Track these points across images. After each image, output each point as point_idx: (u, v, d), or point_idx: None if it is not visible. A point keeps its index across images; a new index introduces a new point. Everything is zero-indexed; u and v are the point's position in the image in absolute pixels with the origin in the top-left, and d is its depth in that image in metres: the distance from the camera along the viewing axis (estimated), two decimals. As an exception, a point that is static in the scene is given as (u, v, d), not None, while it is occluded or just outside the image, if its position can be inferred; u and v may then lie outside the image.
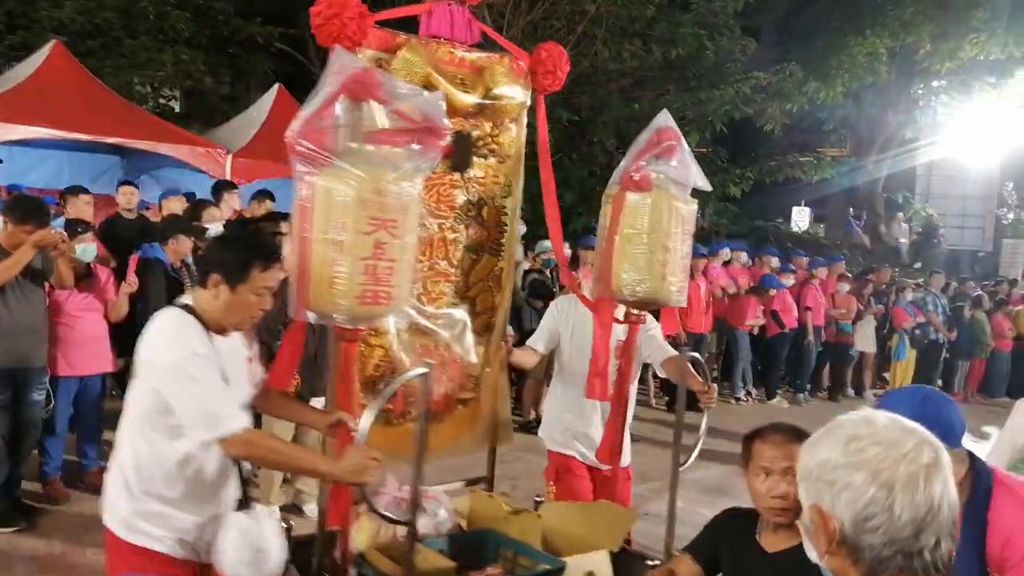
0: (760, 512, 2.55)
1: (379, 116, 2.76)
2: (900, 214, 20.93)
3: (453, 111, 3.33)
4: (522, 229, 10.69)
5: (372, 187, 2.71)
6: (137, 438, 2.60)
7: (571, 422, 4.37)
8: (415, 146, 2.82)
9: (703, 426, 3.92)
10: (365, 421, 2.71)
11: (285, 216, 7.42)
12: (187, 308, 2.61)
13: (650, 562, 3.19)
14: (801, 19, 19.56)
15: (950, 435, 2.06)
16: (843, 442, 1.31)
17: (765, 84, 14.05)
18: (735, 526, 2.67)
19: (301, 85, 14.26)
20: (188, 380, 2.45)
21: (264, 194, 8.13)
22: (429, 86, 3.32)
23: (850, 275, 12.52)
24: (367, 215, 2.71)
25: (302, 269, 2.74)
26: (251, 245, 2.68)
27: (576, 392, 4.13)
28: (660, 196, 3.52)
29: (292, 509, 5.77)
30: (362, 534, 3.15)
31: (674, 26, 12.93)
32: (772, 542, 2.52)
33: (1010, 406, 3.22)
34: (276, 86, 10.46)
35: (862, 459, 1.28)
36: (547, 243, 9.02)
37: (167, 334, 2.55)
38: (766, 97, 14.33)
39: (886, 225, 20.17)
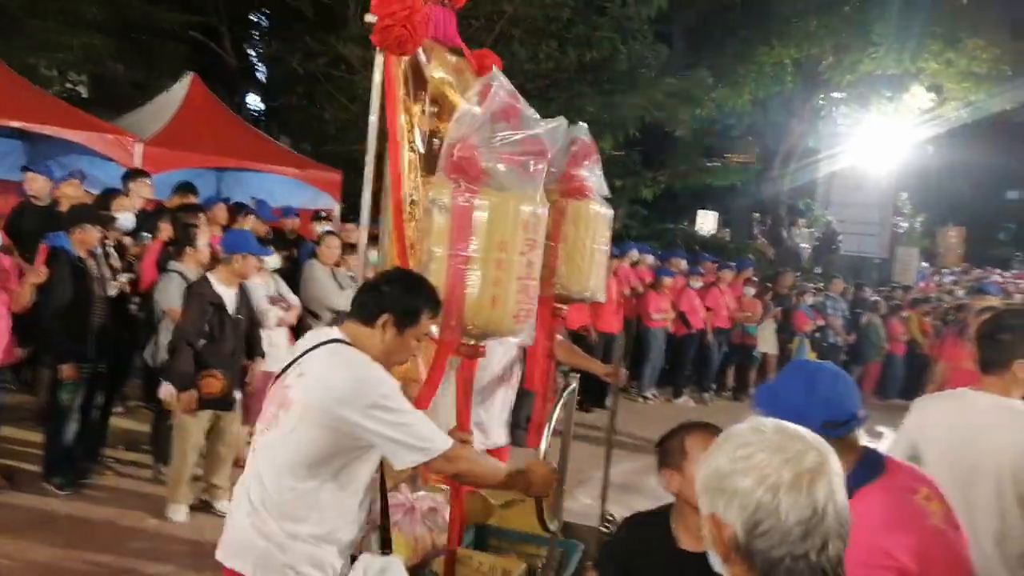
0: (685, 510, 2.52)
1: (522, 140, 2.85)
2: (802, 220, 21.65)
3: (448, 115, 3.32)
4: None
5: (530, 209, 2.82)
6: (286, 480, 2.47)
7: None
8: (552, 170, 2.98)
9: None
10: (545, 435, 2.89)
11: (201, 208, 7.30)
12: (346, 343, 2.56)
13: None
14: (711, 27, 20.08)
15: (838, 410, 2.09)
16: (732, 450, 1.35)
17: (676, 89, 14.36)
18: (641, 533, 2.64)
19: (216, 75, 14.01)
20: (397, 413, 2.44)
21: (187, 187, 7.95)
22: (440, 92, 3.40)
23: (755, 279, 12.90)
24: (525, 236, 2.81)
25: (456, 289, 2.77)
26: (426, 293, 2.68)
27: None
28: (591, 202, 3.73)
29: (201, 505, 5.67)
30: (401, 547, 3.13)
31: (590, 29, 13.11)
32: (694, 542, 2.48)
33: (903, 407, 3.38)
34: (190, 75, 10.22)
35: (749, 465, 1.31)
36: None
37: (364, 374, 2.48)
38: (677, 102, 14.64)
39: (788, 231, 20.85)
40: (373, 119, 3.08)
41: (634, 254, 11.55)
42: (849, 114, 21.06)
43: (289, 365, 2.60)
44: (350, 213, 11.40)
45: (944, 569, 2.02)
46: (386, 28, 2.94)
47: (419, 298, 2.64)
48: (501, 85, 2.91)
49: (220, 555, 2.56)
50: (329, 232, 7.69)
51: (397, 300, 2.61)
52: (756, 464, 1.31)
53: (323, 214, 9.34)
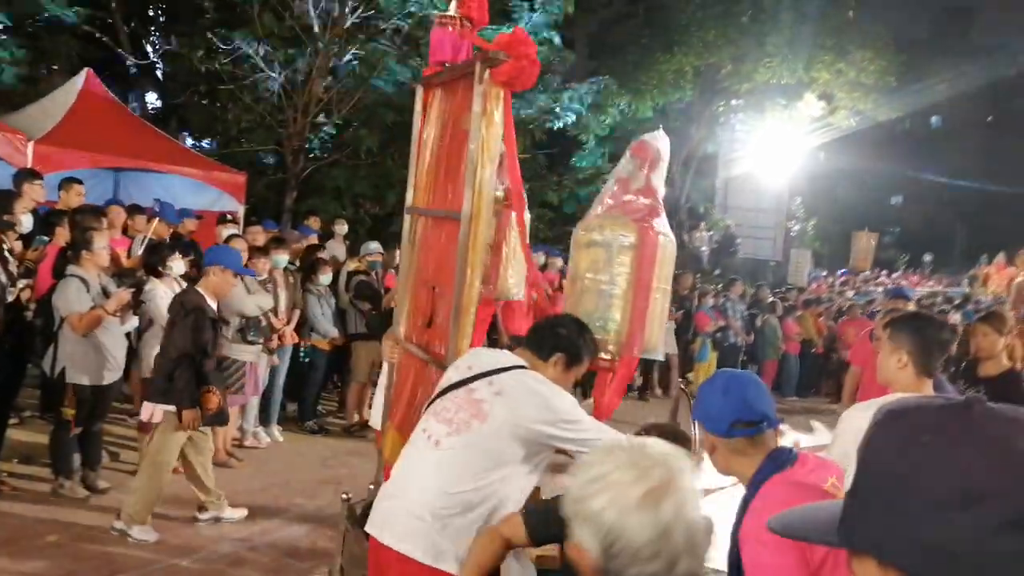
0: None
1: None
2: (702, 224, 22.21)
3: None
4: (343, 228, 10.63)
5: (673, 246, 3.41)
6: (471, 476, 2.73)
7: None
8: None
9: None
10: None
11: (100, 210, 7.04)
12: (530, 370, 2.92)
13: None
14: (613, 35, 20.47)
15: (750, 411, 2.22)
16: (585, 474, 1.33)
17: (582, 95, 14.57)
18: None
19: (111, 70, 13.51)
20: (583, 420, 2.81)
21: (71, 181, 7.59)
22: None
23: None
24: (671, 269, 3.40)
25: (641, 315, 3.28)
26: (591, 342, 3.09)
27: None
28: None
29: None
30: None
31: (497, 33, 13.16)
32: None
33: (799, 405, 3.56)
34: (85, 71, 9.83)
35: (600, 488, 1.30)
36: (372, 244, 9.00)
37: (551, 390, 2.84)
38: (583, 108, 14.86)
39: (688, 234, 21.36)
40: (486, 172, 3.18)
41: (542, 257, 11.65)
42: (746, 121, 21.77)
43: (473, 379, 2.89)
44: (254, 215, 11.20)
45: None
46: (522, 68, 3.09)
47: (586, 345, 3.05)
48: (655, 138, 3.52)
49: (389, 539, 2.75)
50: (234, 235, 7.53)
51: (571, 344, 3.00)
52: (606, 486, 1.29)
53: (228, 216, 9.13)
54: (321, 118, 12.59)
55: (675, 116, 20.77)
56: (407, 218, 3.91)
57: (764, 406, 2.29)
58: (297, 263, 8.33)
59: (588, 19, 20.78)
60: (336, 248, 9.88)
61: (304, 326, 7.95)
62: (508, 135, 3.26)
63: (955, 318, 12.58)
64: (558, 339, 2.99)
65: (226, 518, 5.66)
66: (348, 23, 11.83)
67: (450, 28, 3.52)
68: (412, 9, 11.90)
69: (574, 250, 3.48)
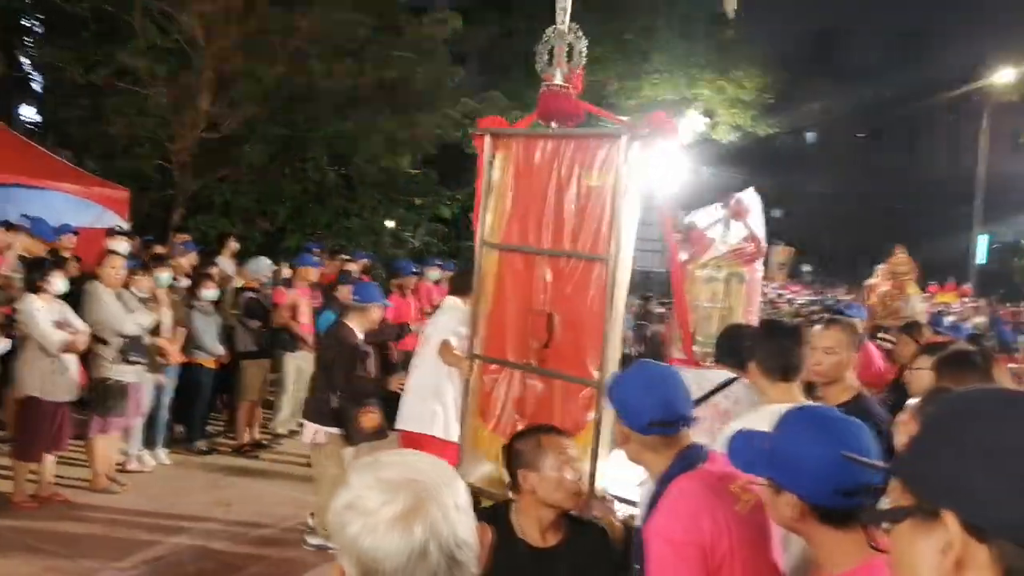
0: (548, 506, 2.67)
1: None
2: (593, 236, 22.66)
3: None
4: (234, 245, 10.48)
5: None
6: None
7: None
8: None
9: None
10: None
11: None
12: None
13: None
14: (501, 51, 20.76)
15: (668, 411, 2.33)
16: (343, 502, 1.29)
17: (472, 110, 14.73)
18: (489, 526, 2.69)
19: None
20: None
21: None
22: None
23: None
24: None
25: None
26: None
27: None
28: None
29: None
30: None
31: (387, 49, 13.22)
32: (541, 538, 2.68)
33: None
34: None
35: (355, 512, 1.26)
36: (264, 262, 8.91)
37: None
38: (474, 123, 15.00)
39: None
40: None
41: (435, 271, 11.72)
42: (634, 136, 22.33)
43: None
44: (138, 232, 10.91)
45: (746, 552, 2.19)
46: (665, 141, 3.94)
47: None
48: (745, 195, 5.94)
49: None
50: (111, 251, 7.29)
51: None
52: (360, 510, 1.26)
53: (118, 228, 8.88)
54: (209, 133, 12.37)
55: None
56: (481, 250, 4.27)
57: (683, 407, 2.39)
58: (183, 280, 8.18)
59: (478, 34, 21.03)
60: (226, 264, 9.73)
61: (189, 344, 7.80)
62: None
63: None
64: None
65: None
66: (234, 37, 11.68)
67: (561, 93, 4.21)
68: (298, 24, 11.83)
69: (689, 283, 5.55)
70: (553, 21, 4.06)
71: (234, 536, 6.05)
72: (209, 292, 7.96)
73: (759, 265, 5.36)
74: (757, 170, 29.54)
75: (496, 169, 4.27)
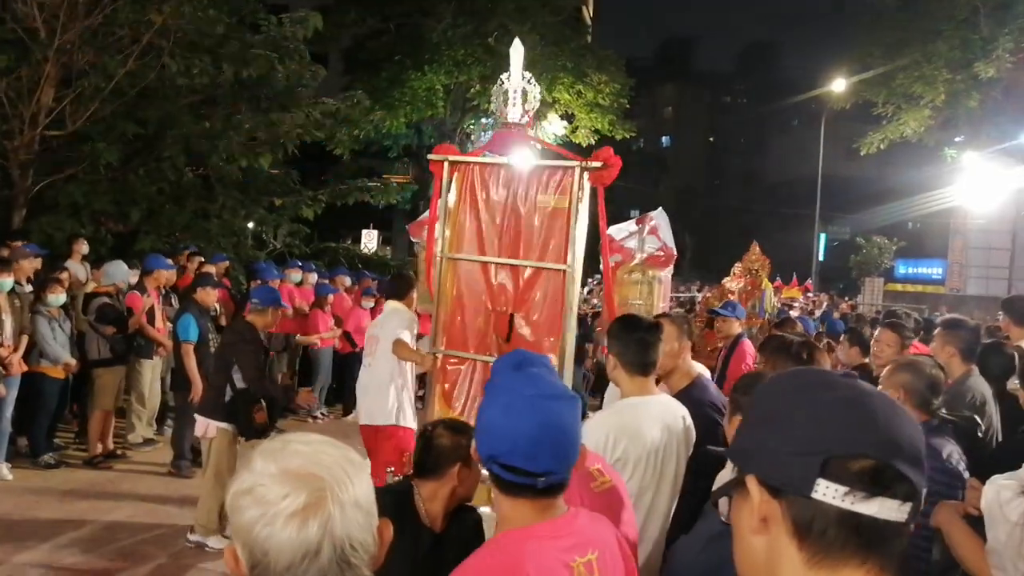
0: (461, 498, 2.83)
1: None
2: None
3: None
4: (84, 248, 9.98)
5: None
6: None
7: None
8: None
9: None
10: None
11: None
12: None
13: None
14: (366, 50, 20.63)
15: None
16: (241, 486, 1.27)
17: (334, 110, 14.54)
18: (392, 510, 2.78)
19: None
20: None
21: None
22: None
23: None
24: None
25: None
26: None
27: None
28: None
29: None
30: None
31: (245, 46, 12.87)
32: (439, 523, 2.81)
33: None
34: None
35: (252, 500, 1.24)
36: (121, 267, 8.56)
37: None
38: (335, 122, 14.82)
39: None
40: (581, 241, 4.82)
41: (297, 273, 11.53)
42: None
43: None
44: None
45: None
46: (612, 175, 4.72)
47: None
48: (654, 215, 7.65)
49: None
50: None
51: None
52: (255, 500, 1.23)
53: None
54: (53, 130, 11.70)
55: (429, 132, 21.24)
56: (442, 263, 5.03)
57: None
58: (27, 285, 7.75)
59: (341, 34, 20.78)
60: (77, 268, 9.26)
61: (32, 352, 7.40)
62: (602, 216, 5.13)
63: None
64: None
65: None
66: (79, 30, 11.09)
67: (513, 129, 5.10)
68: (151, 18, 11.34)
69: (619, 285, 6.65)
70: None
71: (87, 551, 5.80)
72: (56, 297, 7.57)
73: (670, 269, 7.23)
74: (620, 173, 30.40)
75: (453, 192, 4.99)
